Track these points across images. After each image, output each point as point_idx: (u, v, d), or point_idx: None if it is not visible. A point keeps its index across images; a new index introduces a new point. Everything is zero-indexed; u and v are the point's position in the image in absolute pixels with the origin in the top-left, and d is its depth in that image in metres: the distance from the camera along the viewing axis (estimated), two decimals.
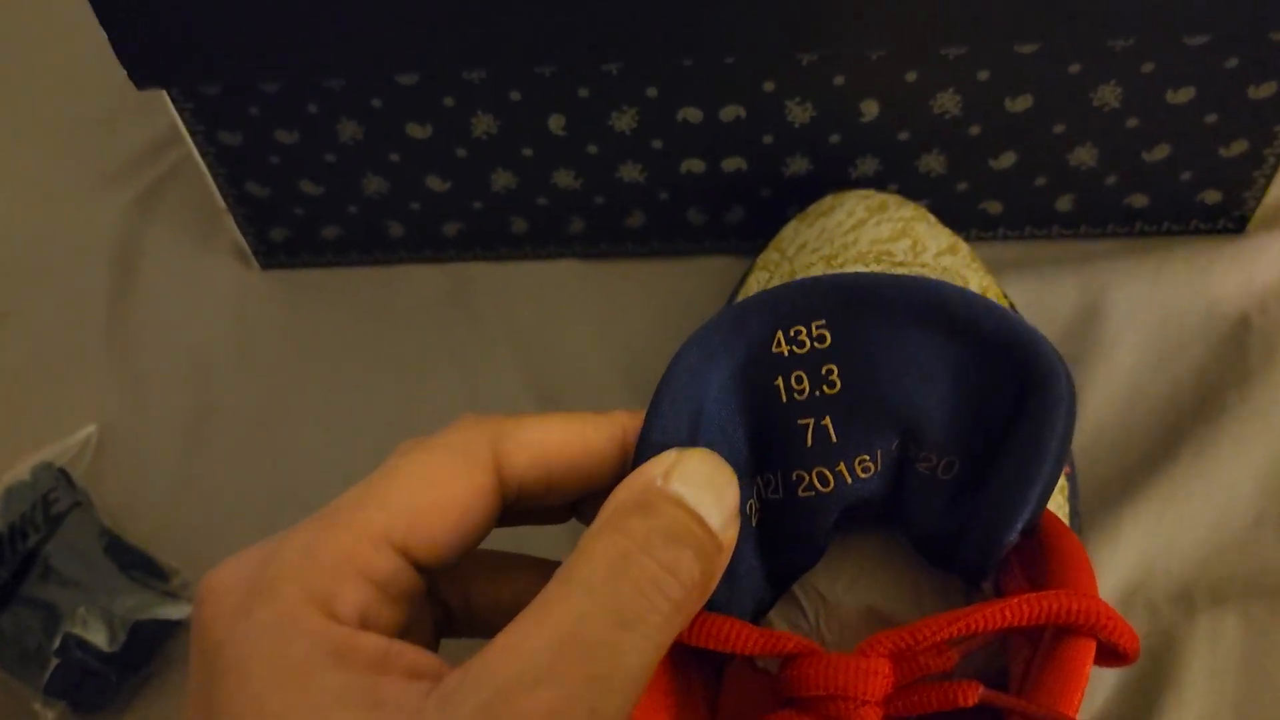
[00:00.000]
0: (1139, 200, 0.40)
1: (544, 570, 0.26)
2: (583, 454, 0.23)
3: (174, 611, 0.35)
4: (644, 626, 0.19)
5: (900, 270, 0.33)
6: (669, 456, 0.22)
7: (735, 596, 0.23)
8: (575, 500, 0.25)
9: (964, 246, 0.36)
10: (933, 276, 0.34)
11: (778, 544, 0.24)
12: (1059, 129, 0.37)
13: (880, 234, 0.35)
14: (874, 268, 0.33)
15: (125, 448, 0.41)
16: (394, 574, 0.21)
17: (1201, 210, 0.40)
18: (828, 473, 0.23)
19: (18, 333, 0.45)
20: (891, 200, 0.36)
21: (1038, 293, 0.40)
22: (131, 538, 0.38)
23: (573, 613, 0.19)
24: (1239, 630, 0.33)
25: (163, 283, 0.46)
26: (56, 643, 0.34)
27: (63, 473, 0.38)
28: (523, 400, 0.41)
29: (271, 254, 0.45)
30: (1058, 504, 0.30)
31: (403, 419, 0.41)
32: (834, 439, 0.23)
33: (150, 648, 0.35)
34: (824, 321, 0.23)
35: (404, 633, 0.22)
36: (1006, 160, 0.39)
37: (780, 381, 0.23)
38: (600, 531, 0.20)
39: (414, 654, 0.20)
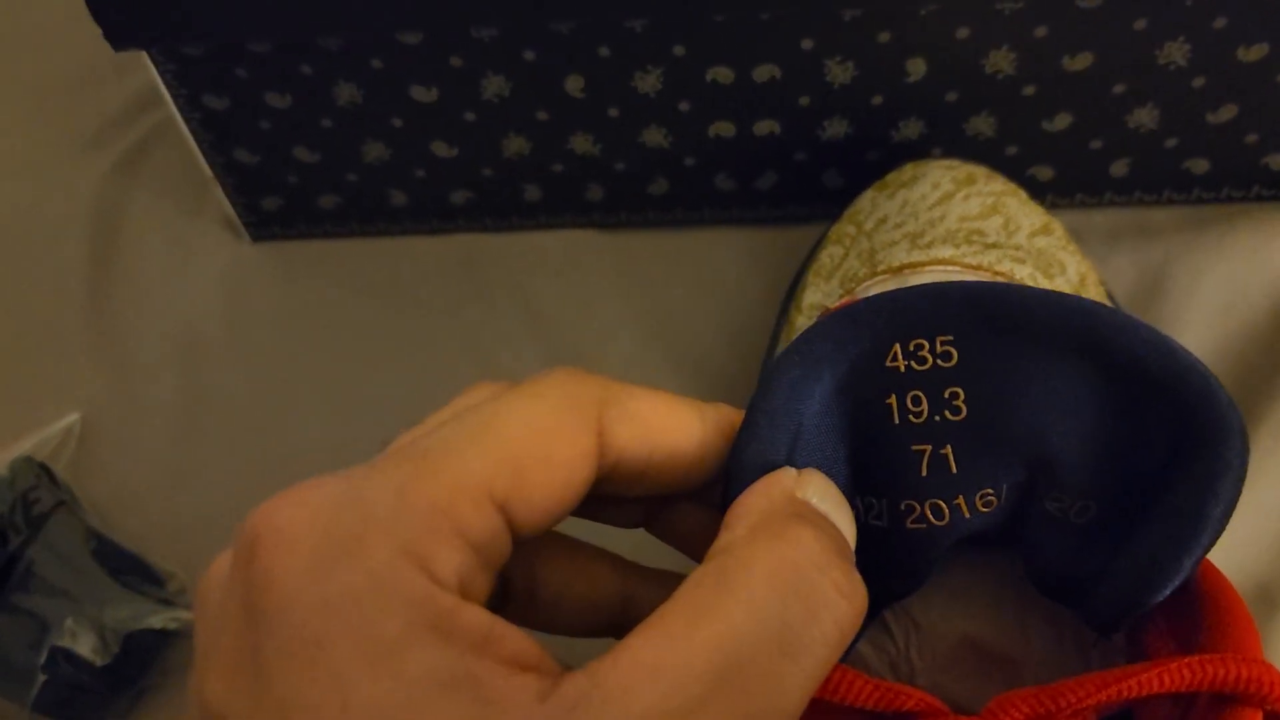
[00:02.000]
0: (1199, 165, 0.37)
1: (625, 570, 0.23)
2: (688, 442, 0.20)
3: (171, 621, 0.32)
4: (809, 658, 0.16)
5: (994, 252, 0.30)
6: (790, 473, 0.19)
7: None
8: (657, 499, 0.22)
9: (1058, 226, 0.33)
10: (1028, 261, 0.31)
11: (877, 573, 0.22)
12: (1119, 89, 0.35)
13: (969, 210, 0.32)
14: (964, 248, 0.31)
15: (111, 437, 0.39)
16: (493, 536, 0.17)
17: (1265, 175, 0.37)
18: (944, 506, 0.20)
19: None
20: (980, 173, 0.33)
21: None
22: (121, 536, 0.35)
23: (733, 632, 0.16)
24: None
25: (147, 256, 0.42)
26: (43, 657, 0.31)
27: (44, 468, 0.35)
28: None
29: (263, 225, 0.41)
30: None
31: (409, 402, 0.38)
32: (953, 470, 0.20)
33: (145, 660, 0.32)
34: (951, 337, 0.20)
35: None
36: (1061, 122, 0.36)
37: (894, 400, 0.20)
38: (757, 537, 0.17)
39: (518, 638, 0.16)
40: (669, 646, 0.15)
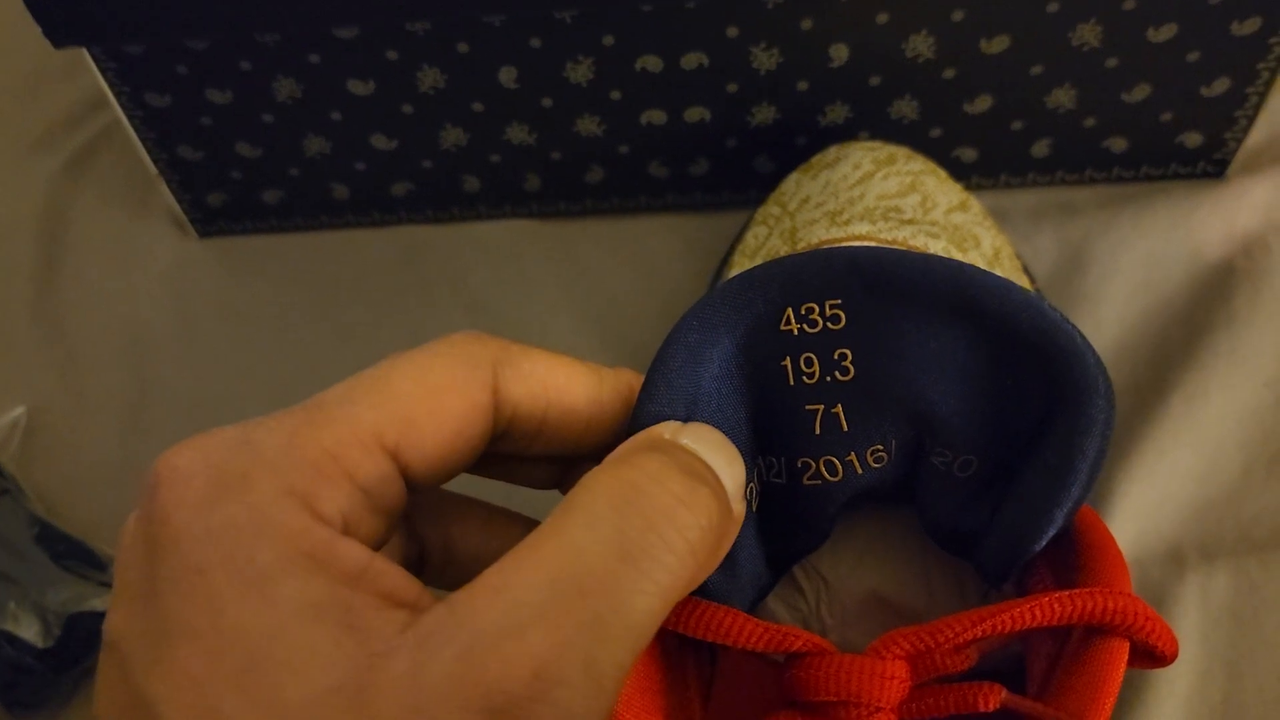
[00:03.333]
0: (1118, 143, 0.38)
1: (515, 524, 0.24)
2: (584, 402, 0.21)
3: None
4: (651, 564, 0.16)
5: (909, 228, 0.31)
6: (673, 424, 0.20)
7: (736, 584, 0.21)
8: (562, 460, 0.23)
9: (975, 203, 0.34)
10: (943, 236, 0.32)
11: (779, 529, 0.22)
12: (1037, 70, 0.36)
13: (888, 189, 0.33)
14: (881, 224, 0.32)
15: (58, 431, 0.39)
16: (382, 480, 0.18)
17: (1181, 153, 0.38)
18: (837, 462, 0.21)
19: None
20: (900, 153, 0.34)
21: (1015, 245, 0.38)
22: (67, 526, 0.35)
23: (570, 547, 0.16)
24: (1230, 587, 0.31)
25: (94, 254, 0.43)
26: None
27: None
28: None
29: (209, 221, 0.42)
30: None
31: None
32: (845, 428, 0.21)
33: (88, 641, 0.33)
34: (840, 301, 0.21)
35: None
36: (982, 104, 0.37)
37: (788, 362, 0.21)
38: (604, 467, 0.18)
39: (395, 575, 0.17)
40: (513, 568, 0.16)
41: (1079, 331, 0.20)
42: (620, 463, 0.18)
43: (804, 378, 0.22)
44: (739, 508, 0.20)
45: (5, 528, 0.33)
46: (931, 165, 0.34)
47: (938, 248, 0.31)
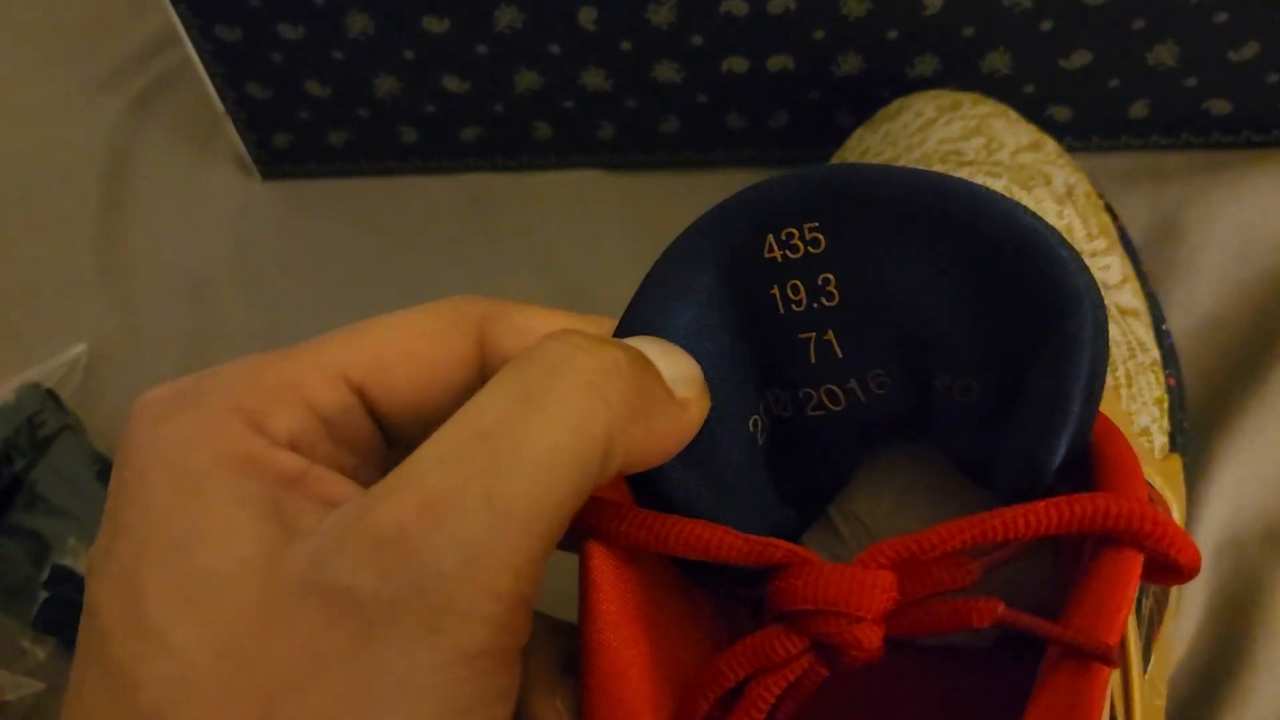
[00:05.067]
0: (1219, 106, 0.36)
1: None
2: None
3: None
4: (556, 404, 0.16)
5: (966, 169, 0.30)
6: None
7: (740, 514, 0.20)
8: None
9: (1050, 142, 0.32)
10: (1004, 175, 0.31)
11: (793, 464, 0.21)
12: (1139, 24, 0.34)
13: (950, 133, 0.32)
14: (938, 168, 0.30)
15: (118, 369, 0.39)
16: (343, 411, 0.19)
17: None
18: (838, 390, 0.20)
19: (5, 249, 0.42)
20: (966, 98, 0.33)
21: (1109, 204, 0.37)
22: None
23: (475, 407, 0.16)
24: None
25: (158, 195, 0.42)
26: (45, 574, 0.31)
27: (51, 394, 0.35)
28: None
29: (274, 163, 0.41)
30: (1153, 417, 0.28)
31: None
32: (839, 354, 0.20)
33: None
34: (817, 224, 0.20)
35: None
36: (1079, 59, 0.35)
37: (776, 290, 0.20)
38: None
39: (336, 482, 0.18)
40: (429, 442, 0.16)
41: (1060, 237, 0.19)
42: (533, 347, 0.18)
43: (793, 305, 0.21)
44: (687, 394, 0.19)
45: (66, 463, 0.33)
46: (1002, 107, 0.33)
47: (997, 186, 0.30)
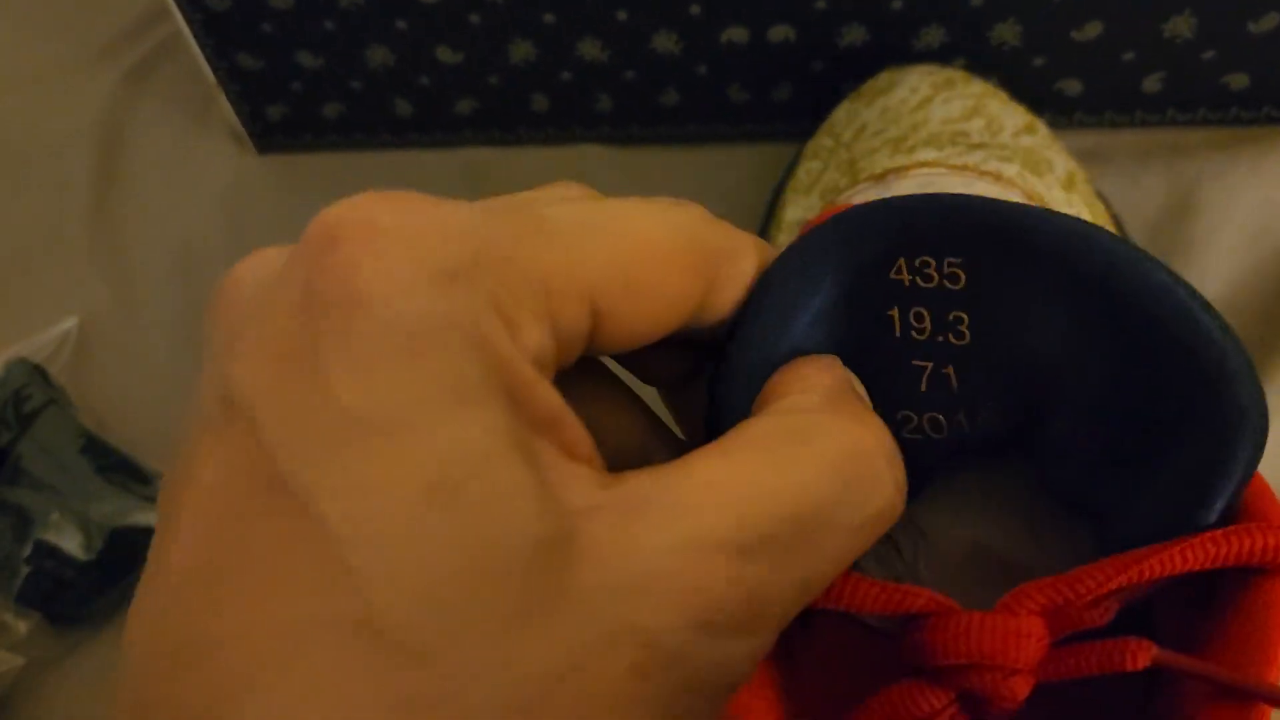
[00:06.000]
0: (1238, 80, 0.35)
1: (653, 426, 0.21)
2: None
3: (155, 518, 0.32)
4: (850, 539, 0.16)
5: (979, 153, 0.29)
6: (838, 361, 0.19)
7: None
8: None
9: (1041, 125, 0.31)
10: (1016, 160, 0.30)
11: None
12: None
13: (951, 112, 0.31)
14: (949, 150, 0.29)
15: (109, 344, 0.38)
16: (575, 337, 0.16)
17: None
18: (942, 420, 0.19)
19: None
20: (957, 75, 0.32)
21: (1120, 187, 0.36)
22: (115, 439, 0.34)
23: (807, 488, 0.15)
24: None
25: (151, 167, 0.42)
26: (27, 549, 0.31)
27: (37, 368, 0.35)
28: None
29: (268, 135, 0.41)
30: None
31: None
32: (954, 388, 0.19)
33: (130, 556, 0.32)
34: (960, 260, 0.19)
35: None
36: (1092, 30, 0.34)
37: (896, 312, 0.19)
38: (835, 408, 0.17)
39: (577, 428, 0.15)
40: (747, 479, 0.14)
41: (1228, 331, 0.18)
42: (854, 418, 0.17)
43: (913, 331, 0.20)
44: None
45: (51, 438, 0.32)
46: (992, 87, 0.32)
47: (1011, 171, 0.29)
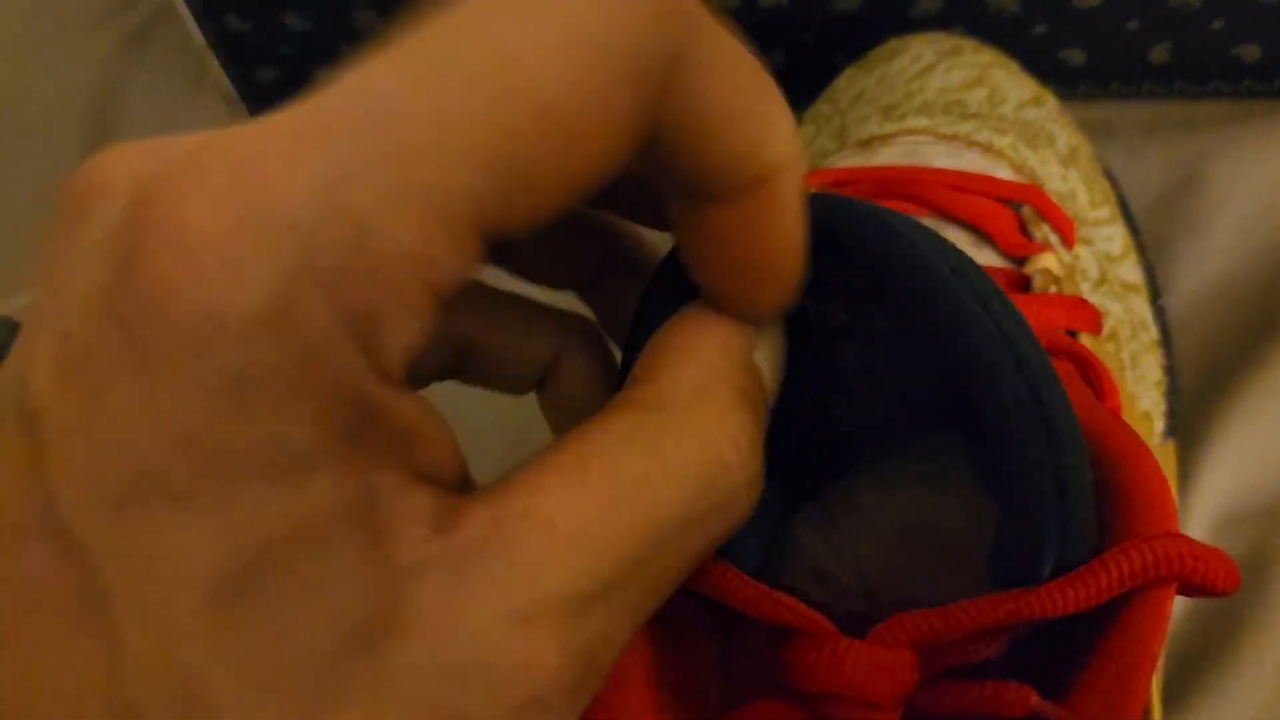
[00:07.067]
0: (1250, 51, 0.34)
1: (562, 327, 0.19)
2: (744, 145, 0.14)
3: None
4: (697, 553, 0.14)
5: (971, 123, 0.28)
6: (749, 331, 0.17)
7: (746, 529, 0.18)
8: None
9: (1051, 99, 0.30)
10: (1010, 132, 0.29)
11: (806, 460, 0.20)
12: None
13: (951, 81, 0.30)
14: (940, 119, 0.28)
15: None
16: (458, 278, 0.12)
17: None
18: (867, 396, 0.19)
19: None
20: (966, 44, 0.31)
21: (1123, 161, 0.34)
22: None
23: (659, 516, 0.13)
24: None
25: (147, 134, 0.41)
26: None
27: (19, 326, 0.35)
28: None
29: (261, 99, 0.40)
30: (1153, 401, 0.26)
31: None
32: (878, 371, 0.19)
33: None
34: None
35: None
36: None
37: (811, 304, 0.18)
38: (700, 408, 0.15)
39: (431, 435, 0.12)
40: (592, 515, 0.13)
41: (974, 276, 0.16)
42: (718, 422, 0.15)
43: (828, 321, 0.19)
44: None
45: None
46: (1002, 57, 0.31)
47: (1003, 143, 0.28)
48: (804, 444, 0.20)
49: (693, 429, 0.14)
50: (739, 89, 0.13)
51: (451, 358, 0.18)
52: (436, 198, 0.12)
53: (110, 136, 0.42)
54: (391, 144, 0.11)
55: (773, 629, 0.17)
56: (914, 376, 0.18)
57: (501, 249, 0.15)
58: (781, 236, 0.15)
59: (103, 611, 0.11)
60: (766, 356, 0.17)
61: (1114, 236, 0.28)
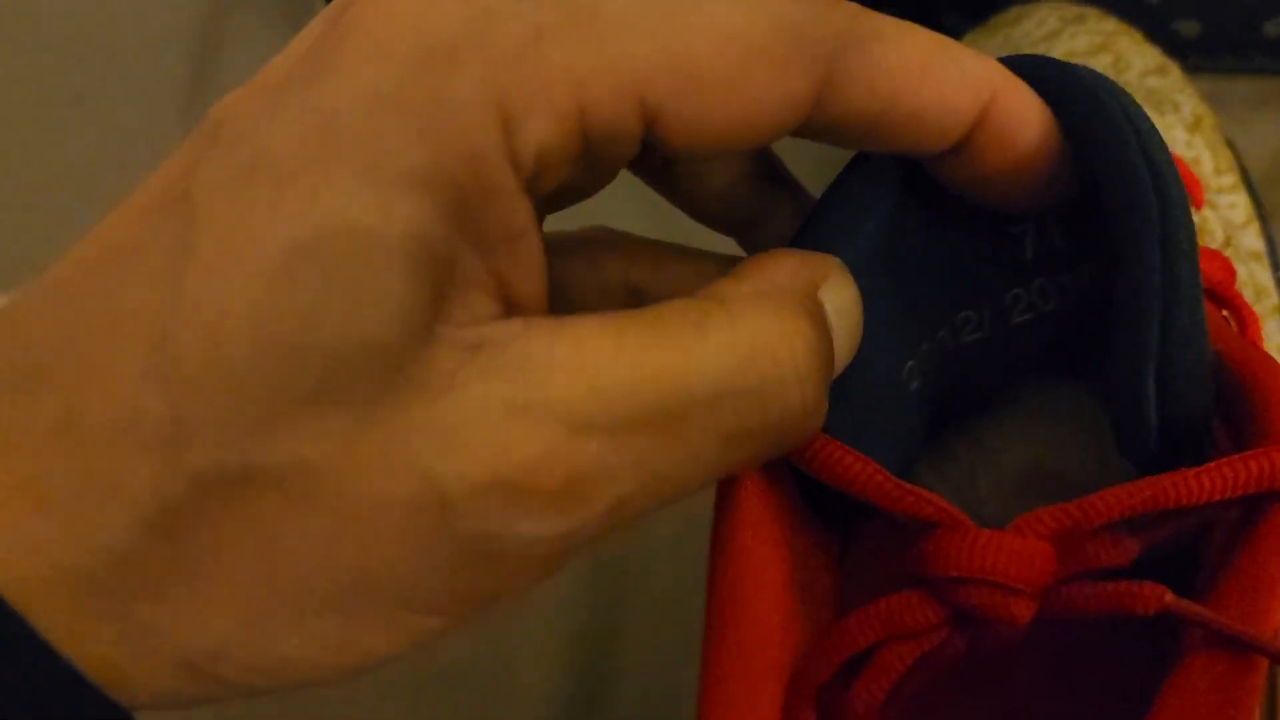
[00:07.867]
0: None
1: (637, 257, 0.20)
2: (936, 105, 0.16)
3: None
4: (742, 426, 0.15)
5: None
6: (824, 266, 0.17)
7: (873, 446, 0.19)
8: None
9: (1175, 68, 0.31)
10: (1137, 98, 0.29)
11: (940, 396, 0.20)
12: None
13: (1076, 47, 0.30)
14: None
15: None
16: (616, 136, 0.14)
17: None
18: (1021, 294, 0.19)
19: (90, 116, 0.42)
20: (1091, 12, 0.32)
21: (1231, 133, 0.34)
22: None
23: (684, 380, 0.14)
24: None
25: (246, 75, 0.42)
26: None
27: None
28: None
29: None
30: (1258, 282, 0.26)
31: None
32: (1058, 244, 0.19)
33: None
34: None
35: None
36: None
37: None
38: (758, 307, 0.15)
39: (526, 253, 0.14)
40: (619, 358, 0.14)
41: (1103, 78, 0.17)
42: (776, 319, 0.15)
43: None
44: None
45: None
46: (1125, 26, 0.32)
47: None
48: (953, 392, 0.20)
49: (743, 316, 0.15)
50: (916, 47, 0.15)
51: (626, 305, 0.19)
52: (611, 58, 0.14)
53: (211, 75, 0.42)
54: (586, 9, 0.14)
55: (897, 530, 0.18)
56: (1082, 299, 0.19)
57: (679, 185, 0.19)
58: (1027, 154, 0.16)
59: (182, 264, 0.13)
60: (835, 306, 0.17)
61: (1237, 205, 0.29)
